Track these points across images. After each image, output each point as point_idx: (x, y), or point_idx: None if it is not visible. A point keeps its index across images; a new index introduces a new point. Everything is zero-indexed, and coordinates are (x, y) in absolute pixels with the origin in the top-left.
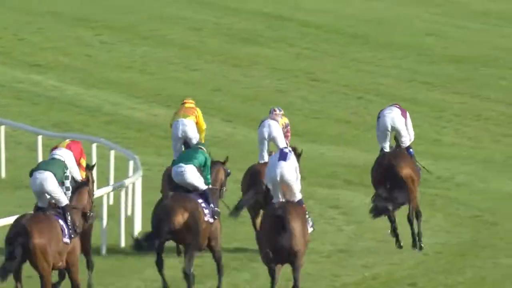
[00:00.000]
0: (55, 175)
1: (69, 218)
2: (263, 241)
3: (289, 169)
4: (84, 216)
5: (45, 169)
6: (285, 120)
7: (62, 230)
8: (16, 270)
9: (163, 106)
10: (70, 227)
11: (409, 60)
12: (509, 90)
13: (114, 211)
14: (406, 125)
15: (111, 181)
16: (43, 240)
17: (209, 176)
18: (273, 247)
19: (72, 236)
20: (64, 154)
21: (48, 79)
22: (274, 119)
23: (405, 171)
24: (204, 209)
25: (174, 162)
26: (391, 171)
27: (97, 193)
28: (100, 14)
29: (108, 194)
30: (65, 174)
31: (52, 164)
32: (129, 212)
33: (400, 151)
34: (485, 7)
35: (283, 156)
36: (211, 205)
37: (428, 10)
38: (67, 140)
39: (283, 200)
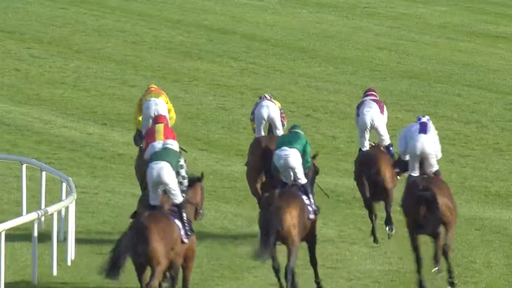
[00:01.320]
0: (170, 165)
1: (184, 215)
2: (409, 211)
3: (429, 142)
4: (196, 212)
5: (161, 159)
6: (279, 104)
7: (179, 230)
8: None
9: (98, 124)
10: (186, 225)
11: (360, 76)
12: (465, 108)
13: (45, 237)
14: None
15: (43, 205)
16: (161, 244)
17: (309, 161)
18: (419, 222)
19: (189, 234)
20: (174, 143)
21: None
22: (271, 101)
23: (385, 170)
24: (307, 206)
25: (277, 145)
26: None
27: (27, 217)
28: (30, 26)
29: (39, 219)
30: (179, 163)
31: (166, 153)
32: (62, 238)
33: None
34: (440, 20)
35: (423, 129)
36: (312, 200)
37: (381, 23)
38: (159, 126)
39: (424, 176)
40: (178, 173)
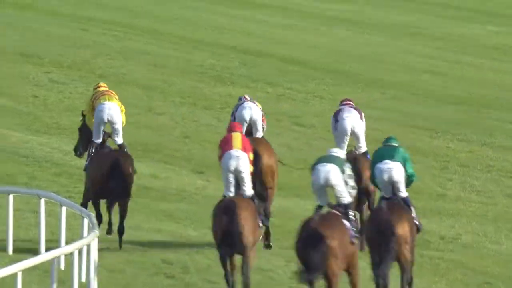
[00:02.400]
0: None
1: (352, 216)
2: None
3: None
4: None
5: (328, 162)
6: (260, 106)
7: (348, 230)
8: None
9: None
10: (353, 225)
11: (408, 101)
12: None
13: (66, 276)
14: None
15: (63, 243)
16: (335, 242)
17: (413, 172)
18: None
19: (357, 235)
20: (338, 151)
21: None
22: (253, 102)
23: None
24: (414, 220)
25: (376, 158)
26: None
27: (46, 256)
28: (50, 48)
29: (59, 258)
30: (347, 173)
31: (333, 158)
32: (83, 278)
33: None
34: (491, 40)
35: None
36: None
37: (428, 44)
38: (237, 135)
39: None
40: (343, 172)
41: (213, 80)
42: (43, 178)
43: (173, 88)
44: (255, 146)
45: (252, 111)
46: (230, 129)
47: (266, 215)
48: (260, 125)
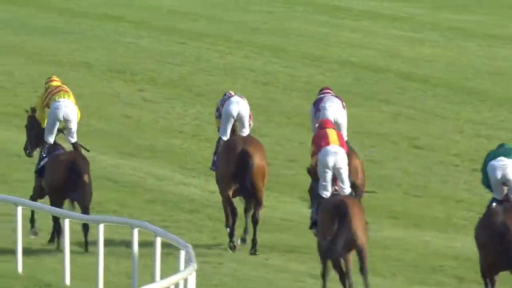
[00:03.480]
0: None
1: None
2: None
3: None
4: None
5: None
6: (246, 101)
7: None
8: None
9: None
10: None
11: None
12: None
13: None
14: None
15: (157, 277)
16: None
17: None
18: None
19: None
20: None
21: None
22: (240, 96)
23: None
24: None
25: (491, 157)
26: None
27: None
28: (143, 64)
29: None
30: None
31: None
32: None
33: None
34: None
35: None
36: None
37: None
38: (331, 131)
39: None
40: None
41: None
42: (135, 206)
43: (277, 107)
44: (245, 145)
45: (240, 106)
46: (323, 126)
47: (254, 222)
48: (247, 121)
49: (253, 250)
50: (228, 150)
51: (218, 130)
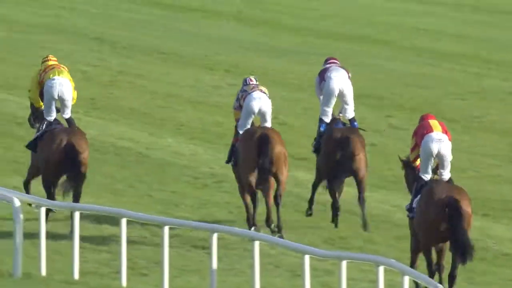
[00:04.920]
0: None
1: None
2: None
3: None
4: None
5: None
6: (266, 90)
7: None
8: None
9: None
10: None
11: None
12: None
13: None
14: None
15: None
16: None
17: None
18: None
19: None
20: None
21: None
22: (262, 91)
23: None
24: None
25: None
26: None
27: None
28: (390, 89)
29: None
30: None
31: None
32: None
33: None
34: None
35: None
36: None
37: None
38: (434, 122)
39: None
40: None
41: None
42: (381, 242)
43: None
44: (266, 131)
45: (262, 102)
46: (425, 118)
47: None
48: (269, 116)
49: (279, 235)
50: (246, 138)
51: (236, 122)
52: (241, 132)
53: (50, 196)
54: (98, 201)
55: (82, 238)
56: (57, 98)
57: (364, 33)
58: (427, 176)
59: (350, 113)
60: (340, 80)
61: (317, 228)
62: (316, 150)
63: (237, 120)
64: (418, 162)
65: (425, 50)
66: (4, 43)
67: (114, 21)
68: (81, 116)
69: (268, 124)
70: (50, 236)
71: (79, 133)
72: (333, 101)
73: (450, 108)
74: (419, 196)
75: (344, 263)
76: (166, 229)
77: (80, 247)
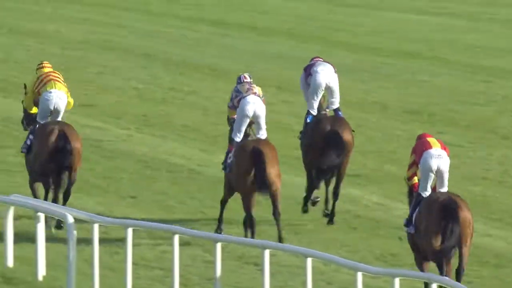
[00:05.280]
0: None
1: None
2: None
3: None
4: None
5: None
6: (260, 91)
7: None
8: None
9: None
10: None
11: None
12: None
13: None
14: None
15: None
16: None
17: None
18: None
19: None
20: None
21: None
22: (256, 94)
23: (347, 137)
24: None
25: None
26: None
27: None
28: (441, 105)
29: None
30: None
31: None
32: None
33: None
34: None
35: None
36: None
37: None
38: (433, 139)
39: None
40: None
41: None
42: None
43: None
44: (260, 146)
45: (256, 106)
46: (423, 136)
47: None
48: (263, 122)
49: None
50: (242, 151)
51: (229, 121)
52: (234, 138)
53: (33, 192)
54: (150, 217)
55: (135, 255)
56: (52, 110)
57: (416, 49)
58: (426, 194)
59: (336, 105)
60: (326, 74)
61: (369, 245)
62: (302, 141)
63: (231, 119)
64: (415, 180)
65: (478, 66)
66: (58, 60)
67: (165, 39)
68: (133, 132)
69: (263, 130)
70: (102, 252)
71: (70, 126)
72: (320, 94)
73: (506, 125)
74: (417, 210)
75: (397, 280)
76: (219, 245)
77: (133, 264)
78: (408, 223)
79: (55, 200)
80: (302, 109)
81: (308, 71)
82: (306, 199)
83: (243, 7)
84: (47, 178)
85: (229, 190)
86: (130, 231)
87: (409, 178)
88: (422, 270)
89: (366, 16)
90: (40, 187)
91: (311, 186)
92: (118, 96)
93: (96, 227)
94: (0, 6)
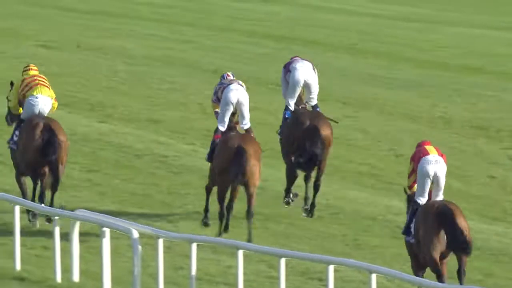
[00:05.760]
0: None
1: None
2: None
3: None
4: None
5: None
6: (243, 84)
7: None
8: None
9: None
10: None
11: None
12: None
13: None
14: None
15: None
16: None
17: None
18: None
19: None
20: None
21: None
22: (239, 83)
23: (326, 132)
24: None
25: None
26: (312, 132)
27: None
28: (508, 120)
29: None
30: None
31: None
32: None
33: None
34: None
35: None
36: None
37: None
38: (430, 147)
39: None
40: None
41: None
42: (501, 275)
43: None
44: (241, 142)
45: (239, 93)
46: (421, 144)
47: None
48: (247, 111)
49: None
50: (224, 147)
51: (215, 115)
52: (219, 125)
53: (20, 186)
54: (213, 232)
55: (199, 270)
56: (37, 113)
57: (480, 64)
58: (422, 200)
59: (314, 101)
60: (305, 71)
61: None
62: (281, 136)
63: (215, 113)
64: (415, 188)
65: None
66: (123, 76)
67: (229, 54)
68: (198, 148)
69: (246, 119)
70: (166, 266)
71: (55, 121)
72: (299, 90)
73: None
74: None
75: None
76: (283, 261)
77: (197, 279)
78: (407, 231)
79: (42, 194)
80: (366, 125)
81: (287, 68)
82: (287, 191)
83: (306, 23)
84: (34, 172)
85: (213, 180)
86: (194, 246)
87: (410, 187)
88: (417, 276)
89: (431, 32)
90: (28, 180)
91: (291, 177)
92: (182, 112)
93: (160, 242)
94: (66, 22)
